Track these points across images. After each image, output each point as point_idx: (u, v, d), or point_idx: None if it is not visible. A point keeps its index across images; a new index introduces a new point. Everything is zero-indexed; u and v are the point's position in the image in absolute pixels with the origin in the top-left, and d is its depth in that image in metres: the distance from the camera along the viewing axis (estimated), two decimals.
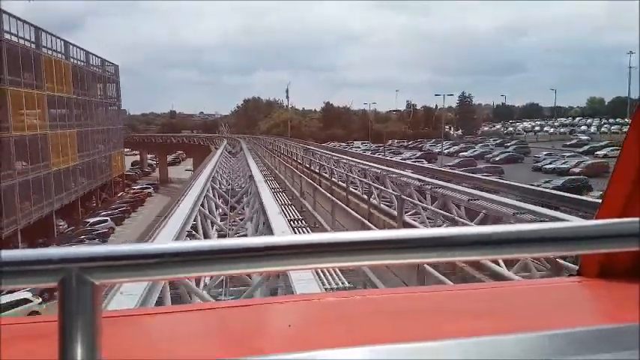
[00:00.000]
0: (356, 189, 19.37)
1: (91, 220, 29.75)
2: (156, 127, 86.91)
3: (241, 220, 15.25)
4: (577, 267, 1.46)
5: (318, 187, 20.73)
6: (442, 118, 70.12)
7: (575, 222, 0.72)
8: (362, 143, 72.47)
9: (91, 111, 38.48)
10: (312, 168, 27.03)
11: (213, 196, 16.60)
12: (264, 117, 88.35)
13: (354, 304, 1.31)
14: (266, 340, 1.06)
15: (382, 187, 17.62)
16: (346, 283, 7.80)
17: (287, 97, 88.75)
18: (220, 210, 16.23)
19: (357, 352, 0.65)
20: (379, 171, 21.61)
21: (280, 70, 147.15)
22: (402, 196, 14.23)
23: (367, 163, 25.84)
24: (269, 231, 10.46)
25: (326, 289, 6.92)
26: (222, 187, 19.94)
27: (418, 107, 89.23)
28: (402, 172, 21.32)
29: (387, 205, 16.18)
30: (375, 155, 39.81)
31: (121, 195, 41.27)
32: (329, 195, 18.68)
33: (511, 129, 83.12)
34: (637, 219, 0.69)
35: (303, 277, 7.41)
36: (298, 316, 1.25)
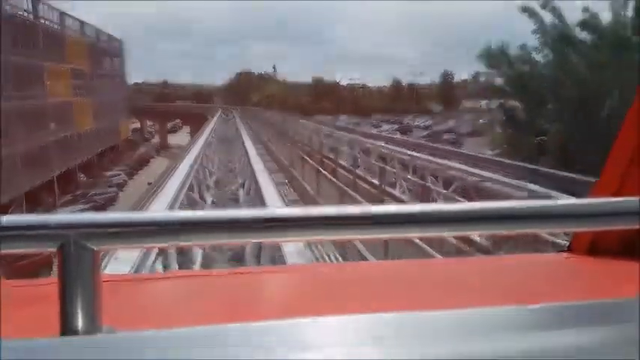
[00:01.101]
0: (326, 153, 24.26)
1: (108, 174, 35.46)
2: (148, 96, 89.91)
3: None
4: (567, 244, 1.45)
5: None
6: (414, 94, 75.11)
7: (570, 200, 0.76)
8: (348, 117, 77.56)
9: (101, 82, 43.73)
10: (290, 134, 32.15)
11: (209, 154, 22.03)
12: (255, 90, 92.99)
13: (345, 275, 1.36)
14: (260, 307, 1.11)
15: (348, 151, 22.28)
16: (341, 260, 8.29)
17: (274, 71, 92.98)
18: (217, 160, 21.66)
19: (348, 319, 0.64)
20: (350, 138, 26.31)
21: (274, 41, 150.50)
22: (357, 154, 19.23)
23: (345, 134, 30.32)
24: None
25: None
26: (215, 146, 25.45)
27: (404, 83, 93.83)
28: (367, 140, 25.94)
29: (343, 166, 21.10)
30: (356, 128, 44.75)
31: (128, 155, 46.94)
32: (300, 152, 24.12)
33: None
34: (629, 198, 0.70)
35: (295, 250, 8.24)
36: (292, 285, 1.29)
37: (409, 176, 15.20)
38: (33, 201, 26.01)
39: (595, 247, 1.39)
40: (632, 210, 0.71)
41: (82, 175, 35.25)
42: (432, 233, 0.72)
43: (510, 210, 0.70)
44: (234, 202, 18.31)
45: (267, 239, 0.72)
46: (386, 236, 0.70)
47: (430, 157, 17.15)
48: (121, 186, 32.72)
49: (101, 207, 28.00)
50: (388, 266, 1.69)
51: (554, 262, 1.47)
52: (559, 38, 17.95)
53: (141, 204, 14.03)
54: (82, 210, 23.60)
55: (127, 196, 29.04)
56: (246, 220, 0.65)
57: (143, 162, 43.70)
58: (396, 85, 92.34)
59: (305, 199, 18.97)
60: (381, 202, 13.87)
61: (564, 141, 16.84)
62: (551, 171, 13.57)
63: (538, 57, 18.66)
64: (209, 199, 18.13)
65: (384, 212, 0.68)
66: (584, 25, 18.31)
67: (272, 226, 0.66)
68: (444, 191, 13.08)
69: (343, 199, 16.47)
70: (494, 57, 19.13)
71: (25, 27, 28.33)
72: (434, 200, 12.50)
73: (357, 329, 0.64)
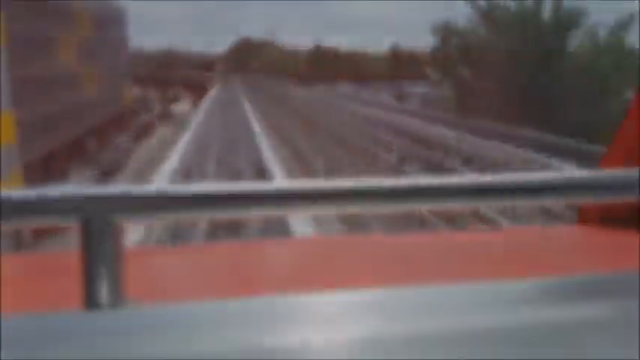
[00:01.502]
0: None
1: (117, 140, 37.01)
2: (150, 63, 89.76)
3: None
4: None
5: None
6: (413, 59, 75.66)
7: (579, 172, 0.76)
8: (347, 85, 78.28)
9: (105, 50, 44.78)
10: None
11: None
12: (255, 57, 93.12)
13: (351, 247, 1.35)
14: (274, 279, 1.11)
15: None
16: None
17: (274, 36, 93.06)
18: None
19: (354, 294, 0.63)
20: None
21: (274, 3, 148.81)
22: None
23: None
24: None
25: None
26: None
27: (404, 49, 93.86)
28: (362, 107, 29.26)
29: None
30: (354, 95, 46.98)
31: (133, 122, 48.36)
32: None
33: None
34: (637, 170, 0.68)
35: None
36: (300, 257, 1.28)
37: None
38: (47, 165, 27.44)
39: (604, 219, 1.37)
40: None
41: (91, 141, 36.72)
42: (442, 205, 0.76)
43: (518, 182, 0.70)
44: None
45: (282, 212, 0.76)
46: (393, 209, 0.72)
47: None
48: (128, 152, 34.22)
49: (109, 172, 29.48)
50: (393, 239, 1.69)
51: (563, 235, 1.48)
52: (487, 18, 23.67)
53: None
54: (93, 175, 25.15)
55: (136, 159, 30.65)
56: (266, 192, 0.66)
57: (148, 130, 45.06)
58: (396, 50, 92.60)
59: None
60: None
61: (493, 98, 21.75)
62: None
63: (480, 30, 23.58)
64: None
65: (392, 186, 0.67)
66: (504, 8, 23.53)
67: (284, 198, 0.67)
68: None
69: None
70: (444, 30, 24.81)
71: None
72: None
73: (363, 303, 0.64)
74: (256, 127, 24.09)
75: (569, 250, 1.33)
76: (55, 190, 0.61)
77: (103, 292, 0.60)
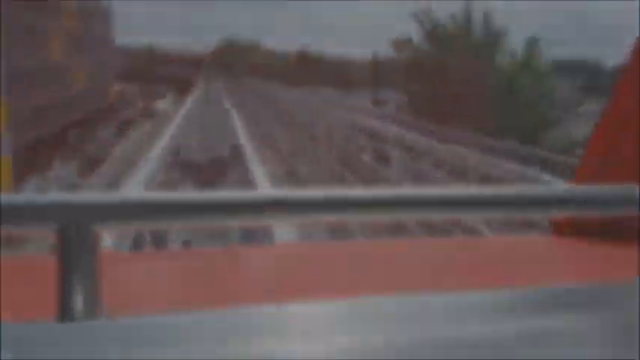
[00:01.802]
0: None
1: (100, 133, 38.10)
2: (135, 60, 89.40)
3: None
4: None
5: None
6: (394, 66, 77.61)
7: (552, 186, 1.02)
8: (331, 90, 79.76)
9: (91, 45, 45.85)
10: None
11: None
12: (240, 58, 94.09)
13: (334, 254, 1.34)
14: (252, 289, 1.08)
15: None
16: None
17: (258, 40, 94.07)
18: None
19: (337, 304, 0.62)
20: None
21: (260, 7, 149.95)
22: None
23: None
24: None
25: None
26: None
27: (386, 56, 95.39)
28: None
29: None
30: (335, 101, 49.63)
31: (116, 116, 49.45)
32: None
33: None
34: (612, 185, 0.70)
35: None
36: (282, 265, 1.26)
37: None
38: (33, 152, 28.42)
39: (577, 229, 1.37)
40: (630, 197, 0.69)
41: (77, 132, 37.77)
42: (428, 215, 0.78)
43: (506, 196, 0.71)
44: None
45: (264, 221, 0.79)
46: (377, 218, 0.71)
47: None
48: (110, 145, 35.37)
49: (94, 162, 30.58)
50: (375, 246, 1.66)
51: (537, 245, 1.49)
52: (430, 35, 29.78)
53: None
54: (76, 164, 26.28)
55: (116, 152, 31.82)
56: (245, 201, 0.65)
57: (130, 124, 46.15)
58: (375, 58, 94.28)
59: None
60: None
61: (434, 104, 28.49)
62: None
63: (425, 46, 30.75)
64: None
65: (376, 196, 0.67)
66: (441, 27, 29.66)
67: (269, 207, 0.65)
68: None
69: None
70: (398, 43, 31.05)
71: None
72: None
73: (345, 314, 0.63)
74: (235, 120, 26.78)
75: (541, 260, 1.32)
76: (32, 197, 0.61)
77: (78, 302, 0.58)
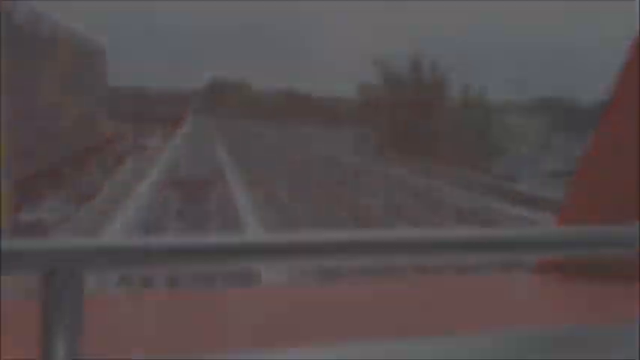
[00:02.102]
0: None
1: (90, 169, 39.34)
2: (126, 99, 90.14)
3: None
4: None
5: None
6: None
7: (570, 228, 0.69)
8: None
9: (85, 84, 47.53)
10: None
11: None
12: (227, 97, 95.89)
13: (320, 297, 1.23)
14: (238, 333, 0.98)
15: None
16: None
17: (246, 80, 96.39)
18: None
19: (324, 351, 0.59)
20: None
21: (247, 47, 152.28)
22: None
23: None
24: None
25: None
26: None
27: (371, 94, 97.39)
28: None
29: None
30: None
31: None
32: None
33: None
34: (601, 226, 0.64)
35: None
36: (267, 310, 1.15)
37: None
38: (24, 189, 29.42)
39: (562, 267, 1.29)
40: (630, 236, 0.64)
41: (65, 169, 38.88)
42: (429, 258, 0.69)
43: (504, 238, 0.67)
44: None
45: (254, 264, 0.78)
46: (371, 261, 0.66)
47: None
48: (98, 184, 36.63)
49: (85, 196, 31.71)
50: (361, 287, 1.55)
51: (521, 283, 1.38)
52: (389, 80, 36.76)
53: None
54: (66, 198, 27.44)
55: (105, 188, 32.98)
56: (235, 246, 0.63)
57: (120, 161, 47.37)
58: (364, 95, 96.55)
59: None
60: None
61: (395, 137, 34.70)
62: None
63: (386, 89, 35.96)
64: None
65: (372, 238, 0.63)
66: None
67: (256, 251, 0.63)
68: None
69: None
70: (365, 88, 36.54)
71: (28, 35, 32.20)
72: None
73: None
74: (222, 155, 29.26)
75: (531, 298, 1.18)
76: (17, 243, 0.61)
77: (60, 349, 0.58)
